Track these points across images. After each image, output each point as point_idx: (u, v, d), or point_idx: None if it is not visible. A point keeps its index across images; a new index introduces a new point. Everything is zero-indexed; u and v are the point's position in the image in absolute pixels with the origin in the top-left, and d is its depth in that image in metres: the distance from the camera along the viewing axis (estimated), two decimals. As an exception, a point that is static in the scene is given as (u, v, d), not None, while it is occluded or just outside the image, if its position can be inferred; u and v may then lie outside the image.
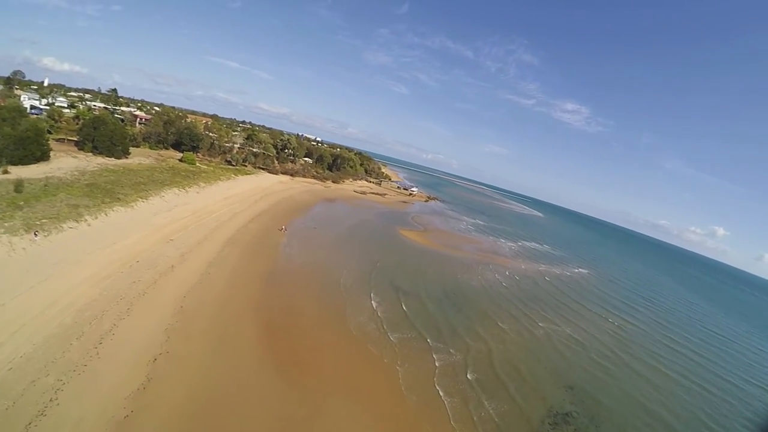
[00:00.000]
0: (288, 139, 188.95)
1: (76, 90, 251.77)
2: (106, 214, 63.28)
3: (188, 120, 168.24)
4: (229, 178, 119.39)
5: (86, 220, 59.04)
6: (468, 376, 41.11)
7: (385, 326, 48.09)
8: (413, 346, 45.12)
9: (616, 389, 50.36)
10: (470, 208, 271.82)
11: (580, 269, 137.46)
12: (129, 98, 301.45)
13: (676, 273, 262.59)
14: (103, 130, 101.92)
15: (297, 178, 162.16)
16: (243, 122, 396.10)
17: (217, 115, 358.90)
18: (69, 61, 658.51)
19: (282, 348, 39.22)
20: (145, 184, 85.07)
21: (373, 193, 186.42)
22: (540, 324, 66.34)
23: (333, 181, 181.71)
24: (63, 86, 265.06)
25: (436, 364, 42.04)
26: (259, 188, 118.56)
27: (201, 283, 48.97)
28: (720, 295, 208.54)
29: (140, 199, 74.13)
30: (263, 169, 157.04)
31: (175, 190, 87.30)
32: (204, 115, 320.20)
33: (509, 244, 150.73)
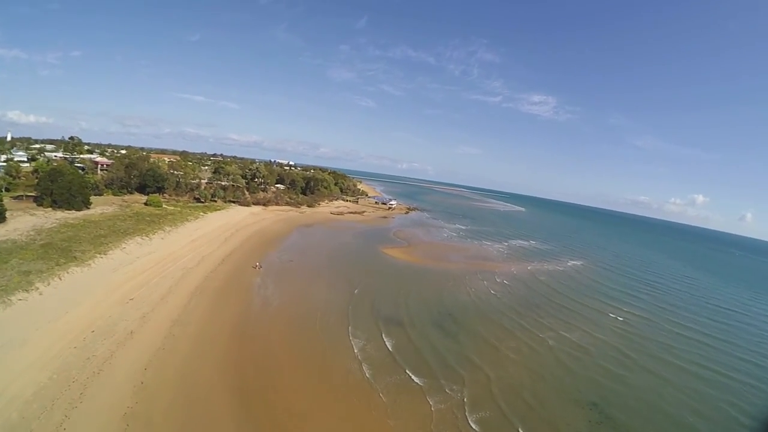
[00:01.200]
0: (257, 168, 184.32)
1: (42, 141, 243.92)
2: (60, 278, 58.27)
3: (151, 160, 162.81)
4: (198, 217, 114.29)
5: (37, 288, 54.01)
6: (469, 419, 37.25)
7: (367, 372, 43.80)
8: (403, 391, 40.74)
9: (633, 399, 46.81)
10: (451, 213, 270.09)
11: (571, 261, 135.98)
12: (96, 144, 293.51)
13: (666, 247, 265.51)
14: (61, 182, 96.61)
15: (270, 207, 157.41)
16: (214, 155, 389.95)
17: (186, 152, 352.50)
18: (34, 112, 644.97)
19: (260, 418, 34.86)
20: (105, 236, 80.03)
21: (351, 212, 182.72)
22: (539, 335, 62.89)
23: (308, 206, 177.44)
24: (29, 139, 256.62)
25: (432, 409, 37.92)
26: (229, 224, 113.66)
27: (164, 348, 44.31)
28: (714, 264, 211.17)
29: (99, 255, 69.09)
30: (234, 202, 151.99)
31: (138, 239, 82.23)
32: (174, 152, 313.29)
33: (496, 246, 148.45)
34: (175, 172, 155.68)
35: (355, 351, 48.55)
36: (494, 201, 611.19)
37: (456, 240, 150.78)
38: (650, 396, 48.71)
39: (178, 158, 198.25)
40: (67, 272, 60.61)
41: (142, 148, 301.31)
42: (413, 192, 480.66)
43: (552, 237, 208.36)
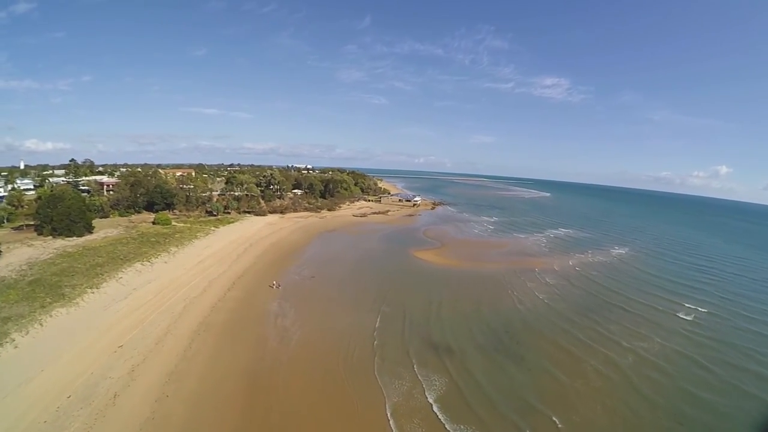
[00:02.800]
0: (271, 174, 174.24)
1: (59, 167, 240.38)
2: (41, 324, 48.69)
3: (160, 176, 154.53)
4: (209, 233, 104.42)
5: (13, 340, 44.63)
6: None
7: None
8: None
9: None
10: (478, 205, 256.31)
11: (614, 250, 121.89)
12: (112, 165, 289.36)
13: (701, 224, 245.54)
14: (61, 209, 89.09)
15: (288, 215, 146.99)
16: (231, 165, 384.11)
17: (202, 164, 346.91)
18: (51, 139, 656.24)
19: None
20: (102, 265, 70.85)
21: (374, 213, 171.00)
22: (602, 350, 50.74)
23: (328, 209, 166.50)
24: (45, 166, 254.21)
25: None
26: (243, 238, 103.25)
27: (153, 419, 33.33)
28: (757, 239, 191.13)
29: (91, 290, 59.39)
30: (249, 212, 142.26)
31: (138, 265, 72.39)
32: (190, 166, 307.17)
33: (531, 238, 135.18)
34: (185, 186, 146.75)
35: (386, 401, 37.00)
36: (517, 188, 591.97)
37: (490, 235, 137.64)
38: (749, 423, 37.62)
39: (188, 172, 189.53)
40: (51, 315, 51.04)
41: (159, 165, 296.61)
42: (434, 186, 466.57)
43: (586, 223, 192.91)
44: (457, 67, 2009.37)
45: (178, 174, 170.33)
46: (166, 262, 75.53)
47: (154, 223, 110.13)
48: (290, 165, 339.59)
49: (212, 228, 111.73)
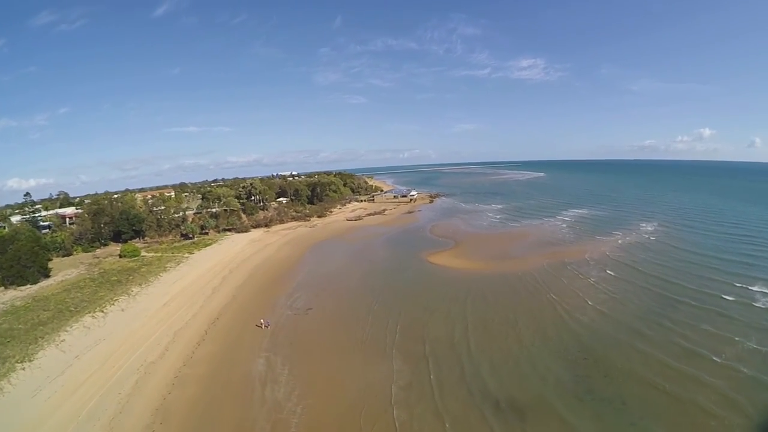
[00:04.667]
0: (251, 184, 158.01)
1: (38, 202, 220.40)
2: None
3: (128, 200, 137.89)
4: (181, 261, 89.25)
5: None
6: None
7: None
8: None
9: None
10: (477, 192, 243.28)
11: (641, 227, 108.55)
12: (93, 195, 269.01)
13: (711, 188, 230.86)
14: (10, 253, 75.70)
15: (274, 228, 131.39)
16: (214, 181, 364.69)
17: (185, 183, 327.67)
18: (33, 176, 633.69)
19: None
20: (46, 323, 56.91)
21: (370, 214, 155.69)
22: (693, 372, 37.01)
23: (318, 216, 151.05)
24: (29, 203, 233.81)
25: None
26: (222, 262, 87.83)
27: None
28: None
29: (23, 364, 45.26)
30: (229, 230, 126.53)
31: (88, 318, 57.31)
32: (173, 186, 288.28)
33: (550, 222, 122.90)
34: (156, 209, 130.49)
35: None
36: (508, 172, 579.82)
37: (505, 224, 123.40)
38: None
39: (161, 192, 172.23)
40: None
41: (141, 189, 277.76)
42: (424, 178, 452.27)
43: (594, 200, 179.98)
44: (433, 59, 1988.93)
45: (149, 196, 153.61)
46: (123, 310, 60.04)
47: (121, 256, 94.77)
48: (275, 173, 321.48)
49: (186, 255, 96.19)
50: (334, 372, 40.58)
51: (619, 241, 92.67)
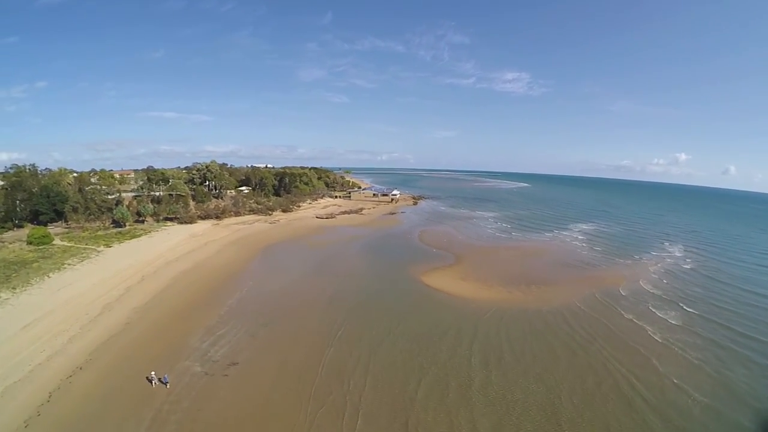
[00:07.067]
0: (207, 166, 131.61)
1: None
2: None
3: (54, 175, 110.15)
4: (88, 257, 65.74)
5: None
6: None
7: None
8: None
9: None
10: (464, 198, 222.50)
11: (668, 250, 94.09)
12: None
13: (708, 211, 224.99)
14: None
15: (226, 221, 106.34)
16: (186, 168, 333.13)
17: (152, 167, 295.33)
18: (5, 149, 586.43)
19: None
20: None
21: (344, 212, 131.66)
22: None
23: (283, 210, 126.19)
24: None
25: None
26: (137, 264, 63.16)
27: None
28: None
29: None
30: (171, 219, 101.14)
31: None
32: (144, 171, 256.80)
33: (562, 236, 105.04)
34: (85, 189, 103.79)
35: None
36: (490, 180, 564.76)
37: (509, 236, 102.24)
38: None
39: (96, 173, 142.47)
40: None
41: (111, 170, 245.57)
42: (403, 181, 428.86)
43: (598, 214, 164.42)
44: (419, 64, 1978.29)
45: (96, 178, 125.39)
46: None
47: (28, 242, 73.30)
48: (249, 165, 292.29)
49: (100, 248, 71.88)
50: None
51: (654, 267, 74.85)
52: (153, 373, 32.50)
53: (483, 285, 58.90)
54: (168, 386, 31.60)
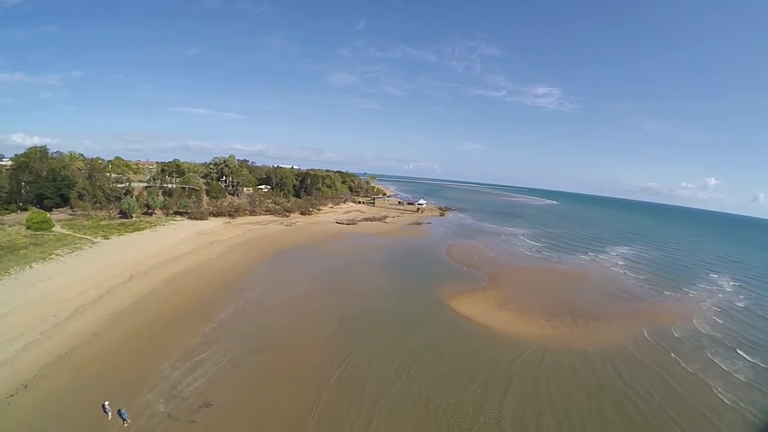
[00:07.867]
0: (224, 161, 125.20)
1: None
2: None
3: (64, 159, 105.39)
4: (81, 248, 60.03)
5: None
6: None
7: None
8: None
9: None
10: (492, 212, 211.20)
11: (717, 282, 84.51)
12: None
13: (746, 240, 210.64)
14: None
15: (240, 219, 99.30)
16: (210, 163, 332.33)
17: (177, 159, 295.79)
18: (38, 134, 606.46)
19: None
20: None
21: (367, 219, 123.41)
22: None
23: (302, 212, 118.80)
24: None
25: None
26: (131, 261, 56.52)
27: None
28: None
29: None
30: (181, 213, 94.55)
31: None
32: (169, 163, 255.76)
33: (602, 261, 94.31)
34: (94, 175, 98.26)
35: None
36: (517, 195, 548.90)
37: (546, 257, 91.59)
38: None
39: (112, 161, 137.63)
40: None
41: (137, 161, 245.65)
42: (428, 190, 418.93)
43: (634, 238, 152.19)
44: (449, 74, 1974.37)
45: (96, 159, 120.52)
46: None
47: (27, 227, 68.50)
48: (275, 165, 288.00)
49: (98, 239, 65.78)
50: None
51: (705, 304, 65.11)
52: (107, 403, 25.33)
53: (522, 316, 49.27)
54: (126, 424, 24.44)
